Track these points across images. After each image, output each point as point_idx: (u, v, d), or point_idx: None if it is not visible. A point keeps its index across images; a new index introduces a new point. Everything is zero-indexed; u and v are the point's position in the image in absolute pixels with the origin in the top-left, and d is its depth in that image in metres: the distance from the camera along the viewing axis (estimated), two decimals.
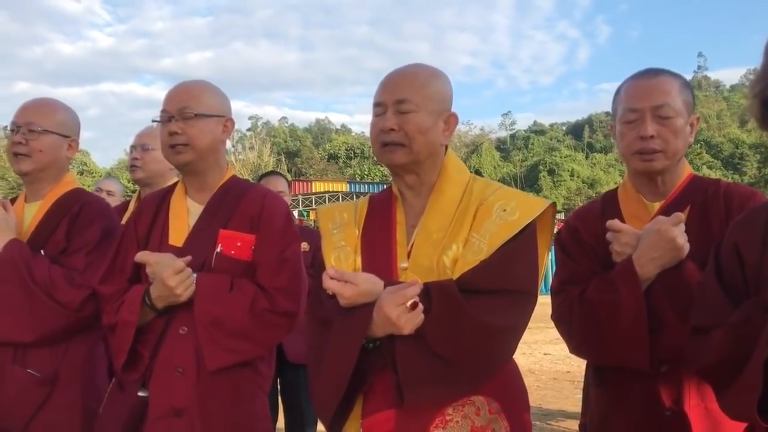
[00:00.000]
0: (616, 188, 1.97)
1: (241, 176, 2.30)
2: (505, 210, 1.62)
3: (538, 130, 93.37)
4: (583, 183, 63.74)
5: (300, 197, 30.32)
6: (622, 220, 1.79)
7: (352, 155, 68.30)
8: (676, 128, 1.75)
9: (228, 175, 2.12)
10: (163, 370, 1.89)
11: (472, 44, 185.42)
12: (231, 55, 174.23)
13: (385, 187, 2.00)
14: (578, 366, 8.12)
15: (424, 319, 1.48)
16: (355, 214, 1.79)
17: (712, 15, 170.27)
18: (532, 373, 8.18)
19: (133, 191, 4.13)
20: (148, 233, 2.05)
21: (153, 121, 2.09)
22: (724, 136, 68.94)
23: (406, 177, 1.71)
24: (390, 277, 1.61)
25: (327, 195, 33.92)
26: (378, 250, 1.69)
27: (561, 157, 70.24)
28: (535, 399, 6.18)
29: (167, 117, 1.99)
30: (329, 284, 1.54)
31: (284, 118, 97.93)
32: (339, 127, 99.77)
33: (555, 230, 1.79)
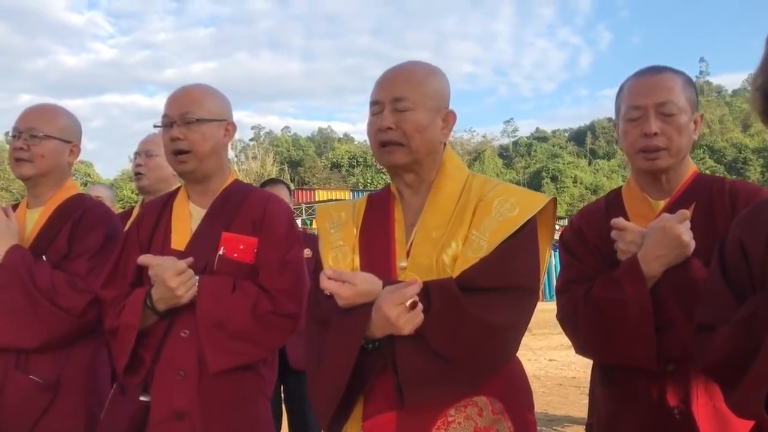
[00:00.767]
0: (620, 187, 1.96)
1: None
2: (504, 206, 1.60)
3: (540, 137, 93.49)
4: (586, 189, 63.69)
5: (303, 206, 30.33)
6: (627, 219, 1.77)
7: (355, 164, 68.41)
8: (679, 125, 1.74)
9: (230, 179, 2.11)
10: (164, 374, 1.88)
11: (474, 52, 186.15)
12: (234, 66, 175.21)
13: None
14: (583, 371, 8.09)
15: (424, 318, 1.45)
16: (353, 213, 1.77)
17: (714, 20, 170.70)
18: (538, 379, 8.15)
19: (136, 202, 4.14)
20: (150, 238, 2.05)
21: (155, 126, 2.09)
22: (727, 141, 68.92)
23: (406, 176, 1.70)
24: (389, 277, 1.59)
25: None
26: (376, 250, 1.67)
27: (564, 164, 70.32)
28: (540, 405, 6.15)
29: (169, 122, 1.99)
30: (327, 284, 1.52)
31: (287, 127, 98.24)
32: (342, 136, 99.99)
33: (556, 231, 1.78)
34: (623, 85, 1.85)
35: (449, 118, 1.70)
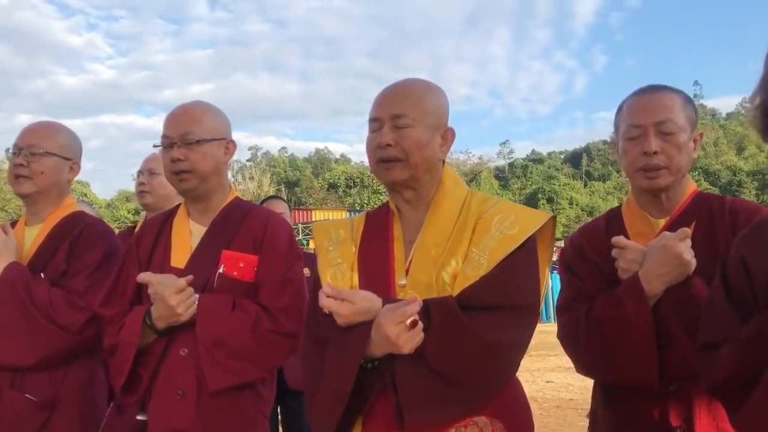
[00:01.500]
0: (620, 206, 1.97)
1: None
2: (504, 224, 1.60)
3: (536, 159, 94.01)
4: (582, 211, 63.80)
5: (300, 226, 30.31)
6: (627, 237, 1.77)
7: (352, 184, 68.45)
8: (679, 144, 1.74)
9: (231, 197, 2.11)
10: (162, 393, 1.86)
11: (470, 74, 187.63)
12: (232, 87, 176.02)
13: None
14: (581, 393, 8.03)
15: (424, 337, 1.44)
16: (352, 230, 1.76)
17: (707, 44, 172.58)
18: (535, 401, 8.07)
19: (133, 222, 4.14)
20: (150, 255, 2.04)
21: (154, 146, 2.08)
22: (721, 164, 69.31)
23: (404, 192, 1.69)
24: (388, 295, 1.57)
25: None
26: (375, 267, 1.66)
27: (559, 186, 70.53)
28: (538, 427, 6.07)
29: (169, 143, 1.98)
30: (326, 302, 1.50)
31: (284, 148, 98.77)
32: (339, 157, 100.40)
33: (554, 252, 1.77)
34: (623, 103, 1.86)
35: (448, 135, 1.71)
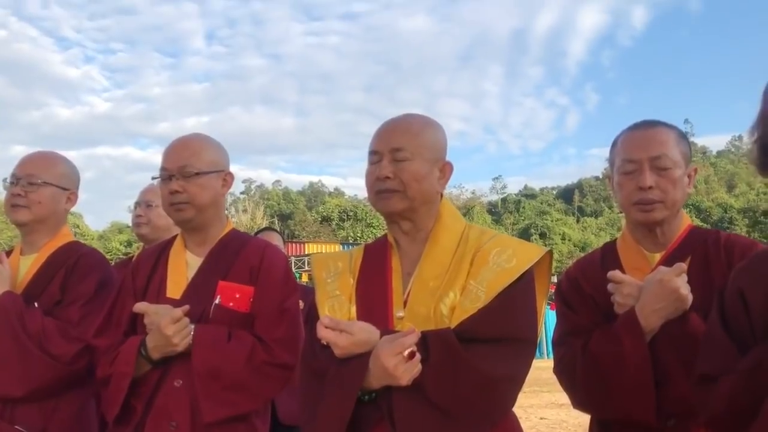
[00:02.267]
0: (615, 240, 1.98)
1: None
2: (502, 257, 1.61)
3: (528, 194, 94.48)
4: (574, 246, 63.93)
5: (293, 258, 30.26)
6: (623, 272, 1.77)
7: (345, 217, 68.50)
8: (674, 179, 1.76)
9: (228, 228, 2.11)
10: (156, 424, 1.84)
11: (463, 110, 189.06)
12: (227, 120, 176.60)
13: None
14: (575, 431, 7.95)
15: (422, 369, 1.44)
16: (350, 262, 1.77)
17: (698, 83, 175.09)
18: None
19: (126, 254, 4.13)
20: (145, 286, 2.04)
21: (153, 178, 2.09)
22: (712, 201, 69.81)
23: (402, 224, 1.71)
24: (386, 326, 1.58)
25: None
26: (373, 299, 1.67)
27: (552, 221, 70.83)
28: None
29: (167, 175, 1.99)
30: (324, 333, 1.50)
31: (278, 181, 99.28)
32: (332, 190, 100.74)
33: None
34: (617, 138, 1.88)
35: (446, 169, 1.73)
